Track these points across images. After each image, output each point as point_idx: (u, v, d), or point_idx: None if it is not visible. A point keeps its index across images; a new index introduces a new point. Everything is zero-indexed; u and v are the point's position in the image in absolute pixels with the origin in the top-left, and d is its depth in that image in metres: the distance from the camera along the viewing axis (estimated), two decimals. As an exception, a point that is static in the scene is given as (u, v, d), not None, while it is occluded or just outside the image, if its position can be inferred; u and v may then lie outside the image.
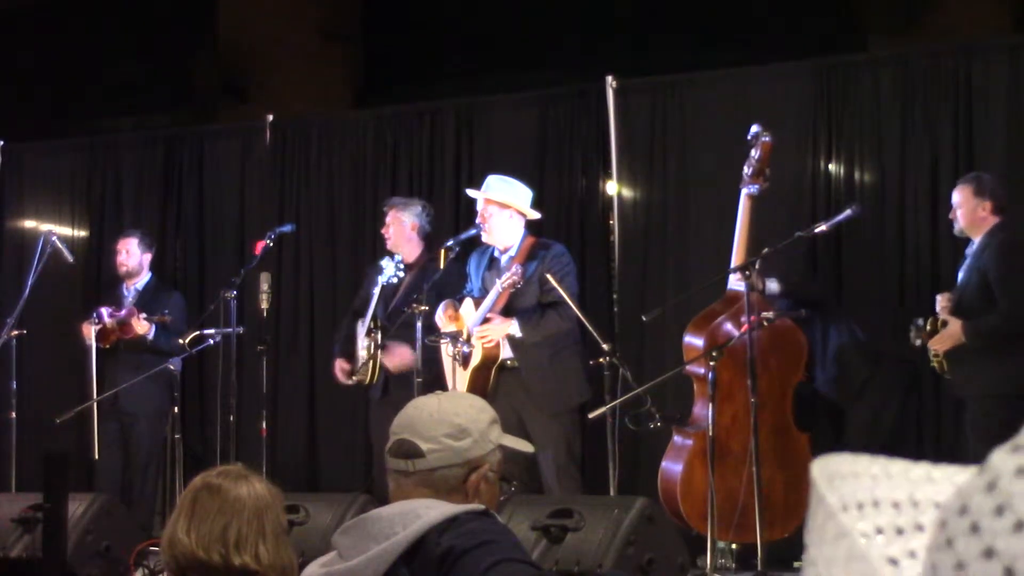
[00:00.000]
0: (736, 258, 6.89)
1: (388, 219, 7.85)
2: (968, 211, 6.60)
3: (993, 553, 0.70)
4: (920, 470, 0.81)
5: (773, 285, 6.87)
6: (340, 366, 7.79)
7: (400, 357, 7.50)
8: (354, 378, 7.68)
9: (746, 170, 6.92)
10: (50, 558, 6.02)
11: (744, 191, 6.94)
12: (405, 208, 7.82)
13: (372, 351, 7.57)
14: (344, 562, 2.66)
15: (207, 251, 9.42)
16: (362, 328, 7.68)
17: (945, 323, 6.48)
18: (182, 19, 10.70)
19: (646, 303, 7.69)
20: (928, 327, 6.54)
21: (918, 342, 6.60)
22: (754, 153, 6.89)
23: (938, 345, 6.48)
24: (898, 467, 0.81)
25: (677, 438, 6.92)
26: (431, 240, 7.92)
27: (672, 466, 6.85)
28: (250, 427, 7.94)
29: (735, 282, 6.82)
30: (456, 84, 9.45)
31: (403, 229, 7.79)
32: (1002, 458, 0.72)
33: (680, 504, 6.68)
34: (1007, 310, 6.43)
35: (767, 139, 6.86)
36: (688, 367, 6.82)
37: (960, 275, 6.70)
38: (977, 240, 6.64)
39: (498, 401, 6.56)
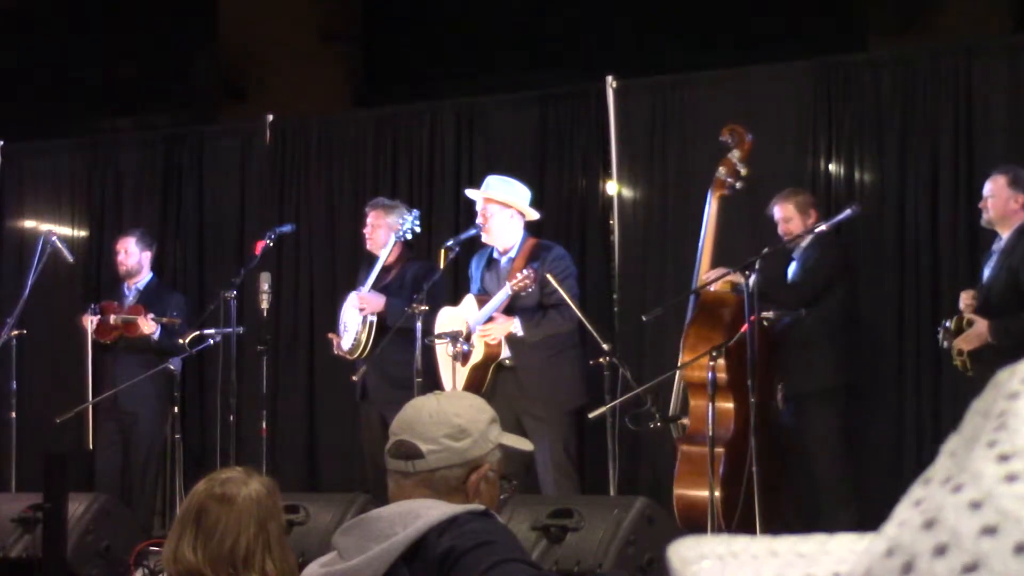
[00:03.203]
0: (707, 261, 6.89)
1: (371, 219, 7.81)
2: (1001, 202, 6.48)
3: None
4: (761, 545, 0.77)
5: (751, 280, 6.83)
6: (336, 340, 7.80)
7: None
8: (345, 353, 7.67)
9: (722, 170, 6.95)
10: (50, 558, 6.03)
11: (719, 194, 6.97)
12: (392, 211, 7.78)
13: (365, 326, 7.59)
14: (344, 562, 2.65)
15: (207, 251, 9.42)
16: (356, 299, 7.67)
17: (971, 322, 6.34)
18: (182, 19, 10.70)
19: (646, 303, 7.69)
20: (953, 326, 6.42)
21: (945, 344, 6.54)
22: (736, 153, 6.92)
23: (964, 344, 6.34)
24: (740, 544, 0.77)
25: (693, 450, 6.71)
26: (411, 244, 7.93)
27: (695, 485, 6.59)
28: (250, 427, 7.93)
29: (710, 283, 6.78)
30: (456, 84, 9.45)
31: (390, 232, 7.77)
32: (914, 537, 0.66)
33: (722, 521, 6.49)
34: None
35: (750, 137, 6.93)
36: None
37: (987, 271, 6.59)
38: (1006, 235, 6.54)
39: (496, 401, 6.55)
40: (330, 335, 7.81)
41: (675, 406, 6.85)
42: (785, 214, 7.04)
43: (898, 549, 0.67)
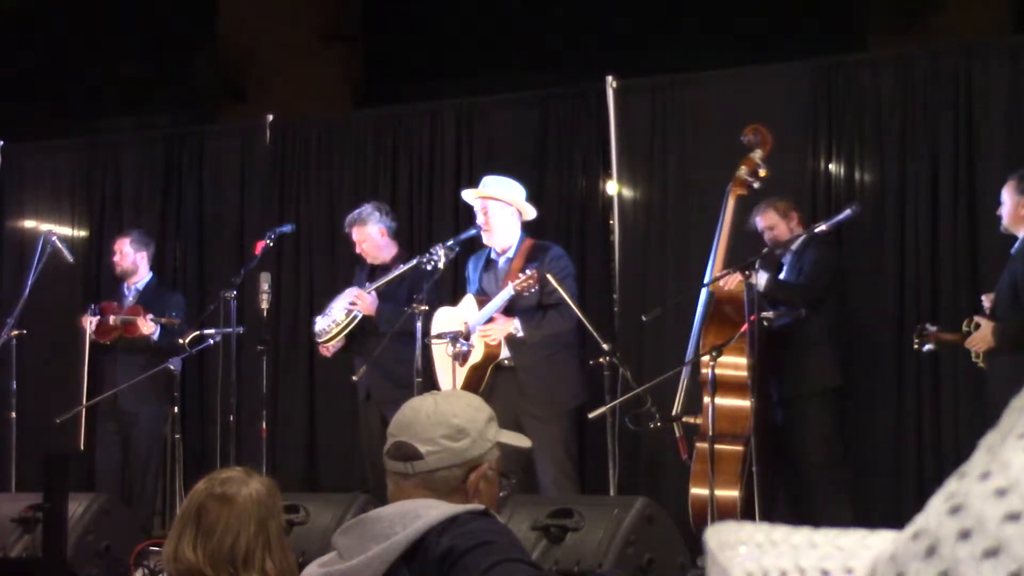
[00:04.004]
0: (721, 259, 6.89)
1: (355, 237, 7.80)
2: (1010, 208, 6.50)
3: None
4: (801, 536, 0.78)
5: (761, 279, 6.83)
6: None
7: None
8: (321, 342, 7.69)
9: (744, 169, 6.96)
10: (50, 558, 6.02)
11: (738, 193, 6.98)
12: (368, 220, 7.76)
13: (347, 318, 7.57)
14: (344, 562, 2.65)
15: (207, 251, 9.42)
16: (353, 292, 7.65)
17: (978, 325, 6.40)
18: (182, 19, 10.70)
19: (646, 303, 7.69)
20: (964, 327, 6.48)
21: (926, 348, 6.56)
22: (758, 153, 6.94)
23: (971, 346, 6.41)
24: (780, 533, 0.78)
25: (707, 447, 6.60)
26: (399, 235, 7.92)
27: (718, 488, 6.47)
28: (250, 427, 7.94)
29: (728, 285, 6.78)
30: (456, 84, 9.45)
31: (375, 240, 7.76)
32: (940, 521, 0.68)
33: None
34: None
35: (772, 137, 6.95)
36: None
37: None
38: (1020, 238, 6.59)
39: (495, 402, 6.53)
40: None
41: (679, 405, 6.85)
42: (768, 222, 7.08)
43: (923, 533, 0.68)
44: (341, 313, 7.60)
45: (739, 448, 6.55)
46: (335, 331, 7.60)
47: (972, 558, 0.65)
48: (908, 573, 0.68)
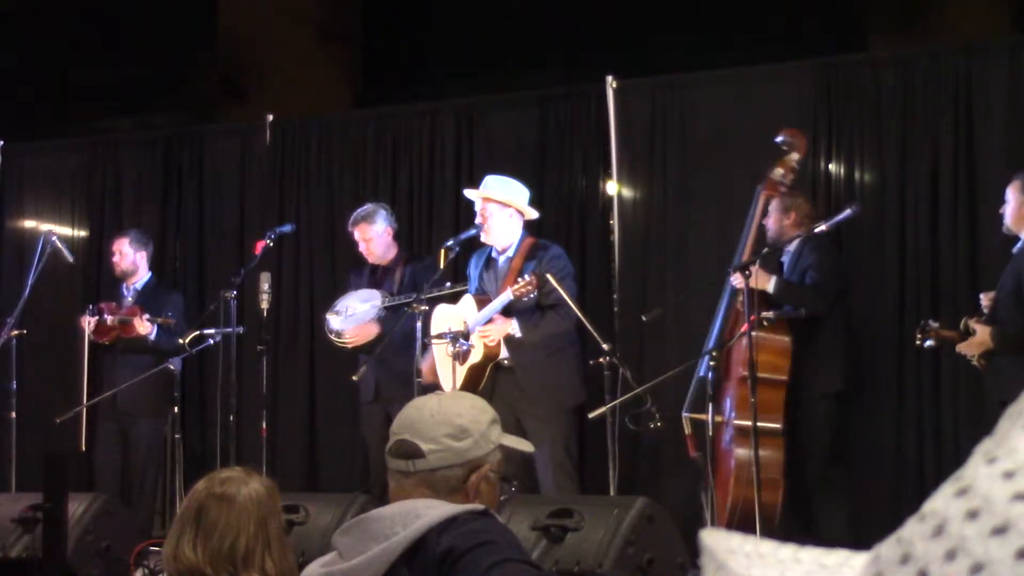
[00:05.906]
0: (746, 255, 6.90)
1: (358, 235, 7.80)
2: (1014, 208, 6.47)
3: None
4: (787, 551, 0.79)
5: (771, 283, 6.84)
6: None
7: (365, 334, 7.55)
8: (333, 332, 7.71)
9: (780, 171, 6.99)
10: (50, 558, 6.02)
11: (768, 194, 7.01)
12: (376, 219, 7.78)
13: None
14: (344, 562, 2.65)
15: (207, 251, 9.42)
16: (372, 296, 7.68)
17: (974, 331, 6.32)
18: (182, 19, 10.70)
19: (646, 303, 7.69)
20: (961, 327, 6.44)
21: (927, 343, 6.54)
22: (795, 156, 6.98)
23: (967, 350, 6.36)
24: (767, 547, 0.79)
25: (740, 451, 6.64)
26: (399, 234, 7.95)
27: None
28: (250, 427, 7.93)
29: (737, 282, 6.78)
30: (456, 84, 9.45)
31: (381, 239, 7.78)
32: (947, 503, 0.69)
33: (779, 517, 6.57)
34: None
35: (807, 140, 7.02)
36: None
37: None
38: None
39: (494, 401, 6.54)
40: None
41: (691, 401, 6.86)
42: (773, 205, 7.11)
43: (930, 514, 0.70)
44: (364, 317, 7.62)
45: (771, 452, 6.60)
46: (349, 340, 7.64)
47: (980, 535, 0.67)
48: (915, 553, 0.69)
